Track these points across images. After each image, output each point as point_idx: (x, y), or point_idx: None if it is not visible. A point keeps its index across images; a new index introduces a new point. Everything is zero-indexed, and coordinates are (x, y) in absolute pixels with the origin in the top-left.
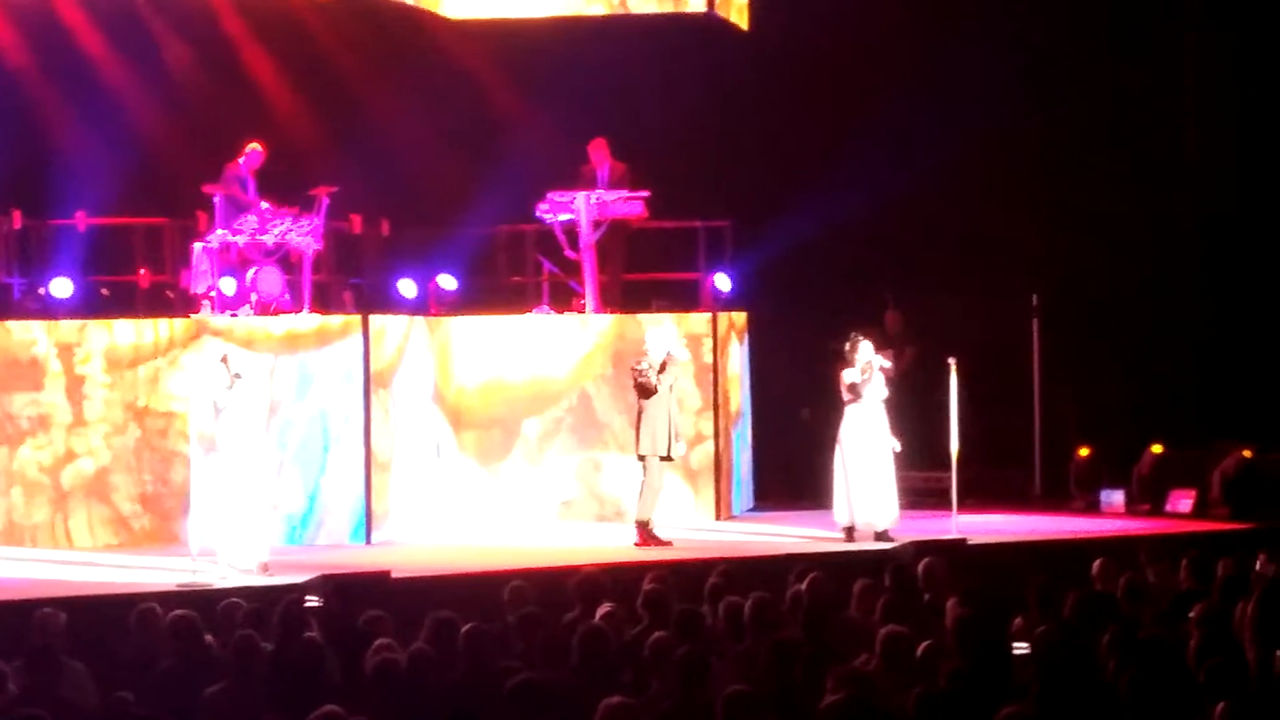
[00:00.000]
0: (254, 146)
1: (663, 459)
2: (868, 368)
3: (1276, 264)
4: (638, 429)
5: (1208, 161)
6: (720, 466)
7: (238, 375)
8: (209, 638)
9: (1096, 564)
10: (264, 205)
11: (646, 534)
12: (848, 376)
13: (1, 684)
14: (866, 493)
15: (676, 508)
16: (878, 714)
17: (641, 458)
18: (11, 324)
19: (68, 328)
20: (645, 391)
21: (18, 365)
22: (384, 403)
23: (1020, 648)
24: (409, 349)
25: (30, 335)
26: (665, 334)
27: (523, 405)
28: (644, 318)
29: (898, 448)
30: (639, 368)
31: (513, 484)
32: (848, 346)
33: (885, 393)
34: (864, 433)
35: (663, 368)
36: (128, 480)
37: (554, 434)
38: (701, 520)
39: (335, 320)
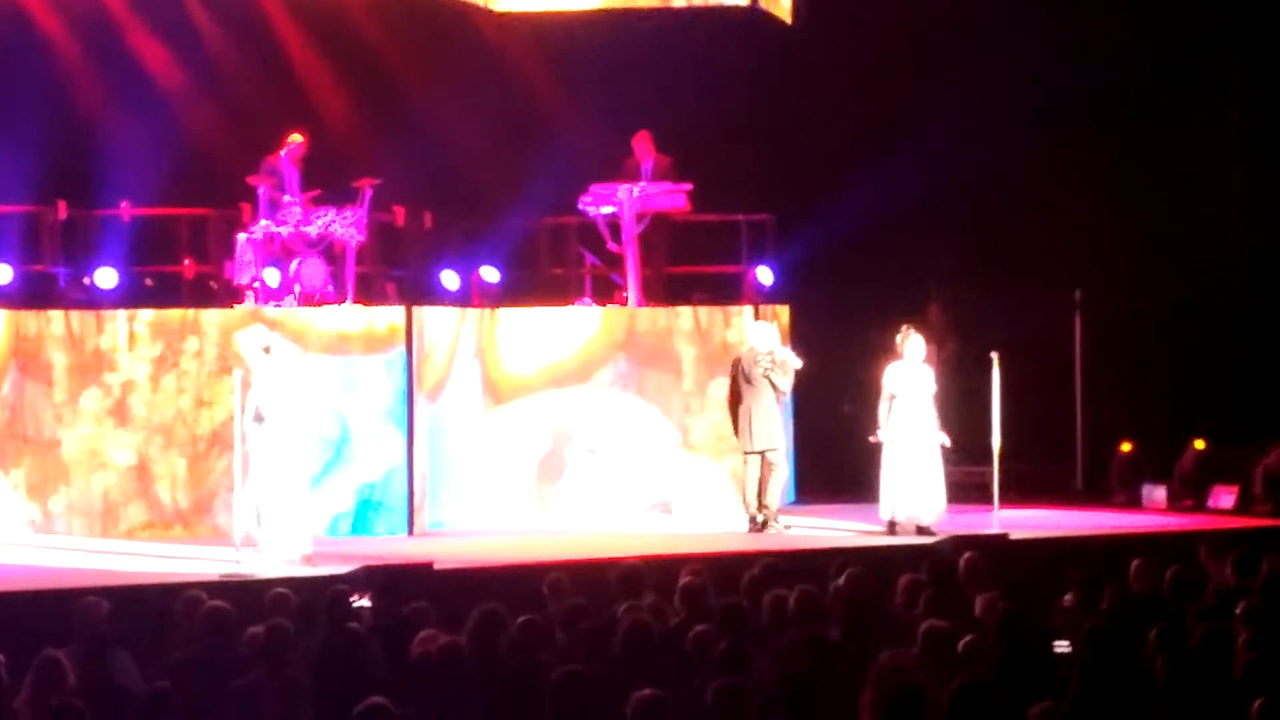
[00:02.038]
0: (295, 138)
1: (767, 451)
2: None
3: None
4: (741, 423)
5: (1255, 156)
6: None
7: (278, 362)
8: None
9: (1135, 563)
10: (290, 200)
11: (756, 526)
12: (888, 381)
13: (59, 671)
14: (910, 487)
15: (719, 501)
16: (918, 706)
17: (752, 452)
18: (56, 313)
19: (111, 317)
20: (765, 386)
21: (65, 354)
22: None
23: (1061, 645)
24: (459, 352)
25: (76, 324)
26: (768, 331)
27: (565, 395)
28: (747, 318)
29: (947, 443)
30: (759, 363)
31: (556, 476)
32: (899, 339)
33: (934, 388)
34: (911, 428)
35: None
36: (172, 470)
37: (597, 425)
38: (742, 514)
39: (382, 323)
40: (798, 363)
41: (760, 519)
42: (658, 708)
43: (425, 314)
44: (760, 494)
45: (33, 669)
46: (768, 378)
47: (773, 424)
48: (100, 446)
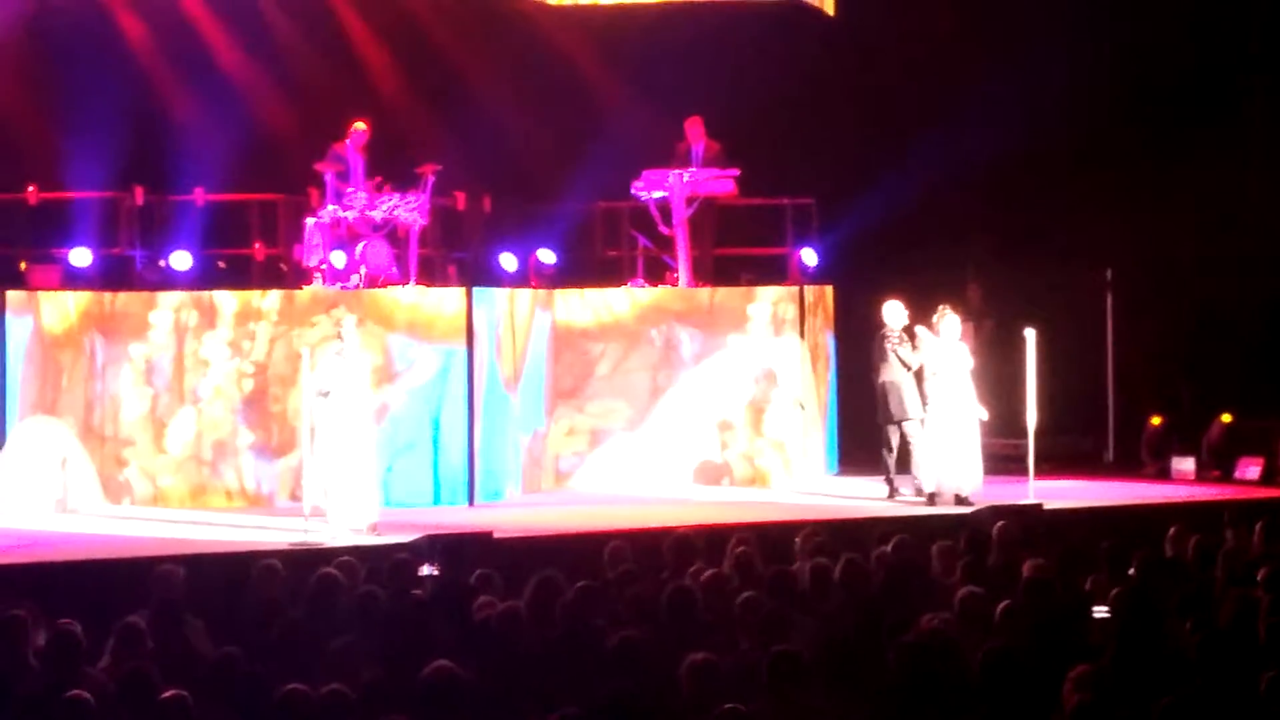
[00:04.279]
0: (358, 126)
1: (902, 422)
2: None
3: None
4: (878, 396)
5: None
6: (811, 433)
7: (350, 340)
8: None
9: (1172, 530)
10: (358, 191)
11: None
12: (926, 358)
13: (142, 637)
14: (949, 461)
15: (769, 471)
16: (953, 665)
17: (895, 423)
18: (133, 294)
19: (187, 298)
20: (895, 360)
21: (141, 331)
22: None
23: (1100, 611)
24: (533, 333)
25: (153, 304)
26: (899, 310)
27: (628, 368)
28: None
29: (984, 416)
30: (889, 339)
31: (612, 446)
32: (935, 318)
33: (971, 363)
34: (949, 404)
35: (905, 341)
36: (241, 444)
37: (655, 397)
38: (790, 483)
39: (448, 305)
40: (934, 340)
41: (896, 485)
42: (709, 671)
43: (495, 295)
44: (896, 463)
45: (115, 635)
46: (895, 353)
47: (905, 397)
48: (173, 422)
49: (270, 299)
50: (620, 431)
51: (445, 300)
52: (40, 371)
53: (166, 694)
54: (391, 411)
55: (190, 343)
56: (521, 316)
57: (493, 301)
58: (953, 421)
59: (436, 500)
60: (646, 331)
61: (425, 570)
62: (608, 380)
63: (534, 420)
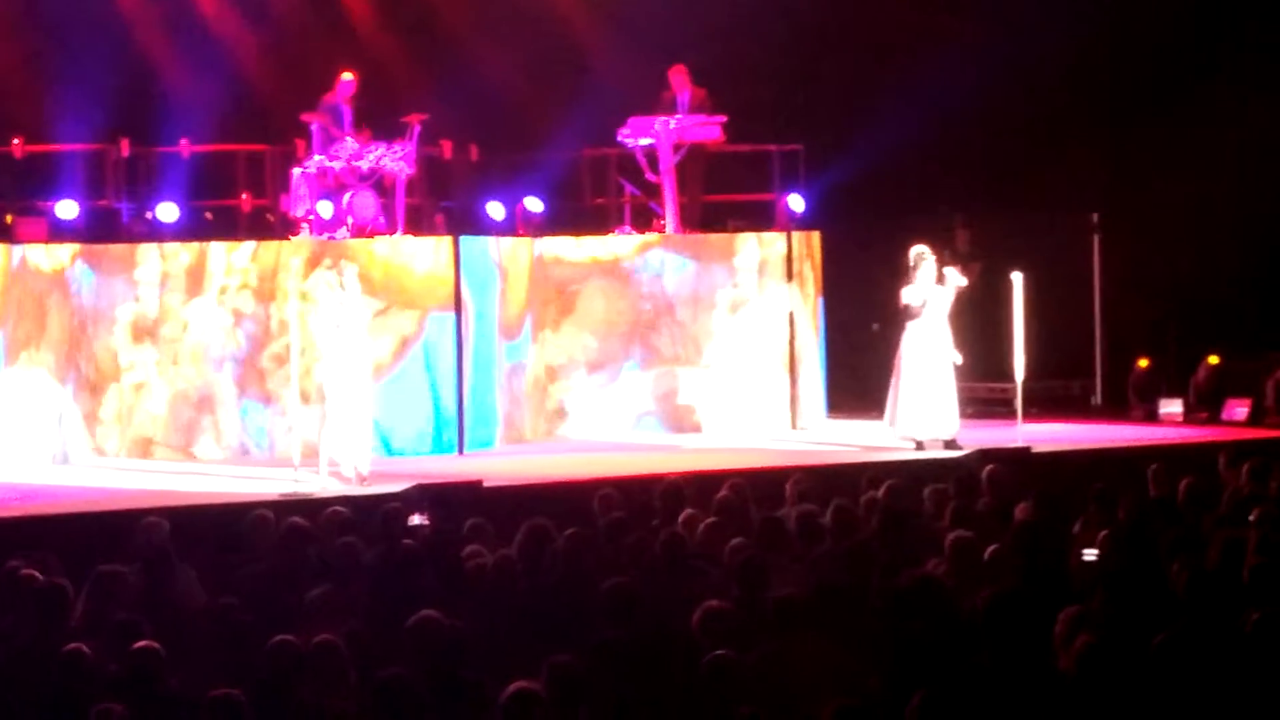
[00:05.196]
0: (347, 76)
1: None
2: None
3: None
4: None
5: (1266, 75)
6: (796, 377)
7: (351, 288)
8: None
9: (1152, 468)
10: (350, 139)
11: None
12: (906, 296)
13: (116, 585)
14: (924, 405)
15: (755, 417)
16: (944, 606)
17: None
18: (121, 245)
19: (173, 249)
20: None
21: (128, 282)
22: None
23: (1089, 554)
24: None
25: (139, 256)
26: (926, 252)
27: (603, 318)
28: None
29: (959, 361)
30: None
31: (592, 394)
32: (911, 262)
33: (948, 308)
34: (925, 347)
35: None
36: (233, 393)
37: (634, 345)
38: (777, 430)
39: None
40: (961, 280)
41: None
42: (720, 618)
43: (485, 243)
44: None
45: (89, 583)
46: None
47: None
48: (163, 372)
49: (258, 250)
50: (606, 372)
51: (432, 249)
52: (20, 313)
53: (140, 645)
54: (381, 360)
55: (178, 293)
56: (523, 264)
57: (482, 249)
58: (929, 366)
59: (437, 449)
60: (632, 270)
61: (415, 520)
62: (588, 317)
63: (518, 355)
